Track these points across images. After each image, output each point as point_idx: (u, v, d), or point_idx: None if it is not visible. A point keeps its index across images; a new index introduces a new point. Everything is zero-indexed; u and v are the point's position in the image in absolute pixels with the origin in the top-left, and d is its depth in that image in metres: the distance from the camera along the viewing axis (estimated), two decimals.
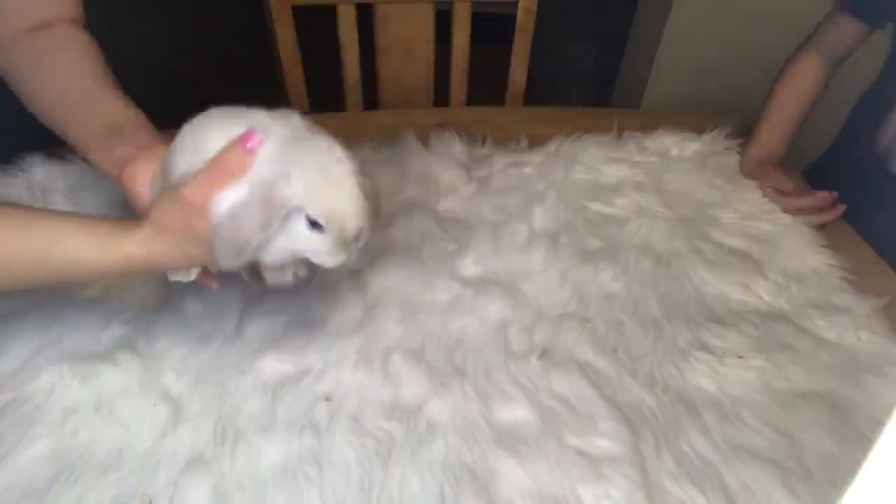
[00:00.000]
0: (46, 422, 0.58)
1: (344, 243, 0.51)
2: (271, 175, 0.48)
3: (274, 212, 0.48)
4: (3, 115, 0.59)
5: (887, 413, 0.25)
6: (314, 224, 0.49)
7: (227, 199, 0.48)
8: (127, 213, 0.62)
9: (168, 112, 0.64)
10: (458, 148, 0.97)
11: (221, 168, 0.49)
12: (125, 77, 0.63)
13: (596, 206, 0.89)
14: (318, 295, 0.72)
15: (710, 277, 0.79)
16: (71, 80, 0.65)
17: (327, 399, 0.62)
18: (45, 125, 0.64)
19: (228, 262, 0.50)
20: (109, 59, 0.67)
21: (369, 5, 1.16)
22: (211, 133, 0.52)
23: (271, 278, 0.56)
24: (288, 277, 0.57)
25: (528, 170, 0.94)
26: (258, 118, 0.52)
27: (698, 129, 1.04)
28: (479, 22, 1.25)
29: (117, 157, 0.60)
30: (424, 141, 0.98)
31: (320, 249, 0.51)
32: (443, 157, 0.94)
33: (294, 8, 1.12)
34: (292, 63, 1.17)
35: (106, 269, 0.52)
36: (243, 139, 0.49)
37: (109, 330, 0.67)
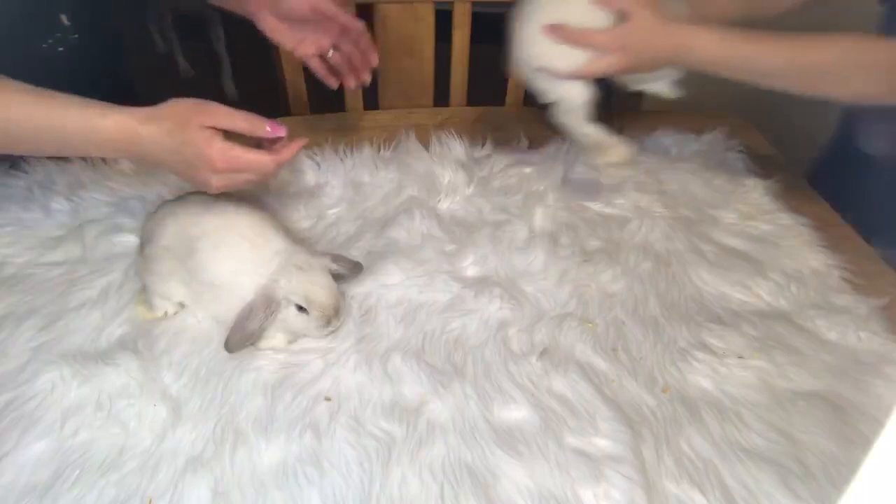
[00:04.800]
0: (46, 422, 0.58)
1: (326, 319, 0.65)
2: (268, 280, 0.64)
3: (271, 306, 0.63)
4: None
5: (887, 413, 0.25)
6: (300, 308, 0.64)
7: (237, 305, 0.63)
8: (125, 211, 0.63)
9: None
10: (458, 148, 0.97)
11: (248, 166, 0.63)
12: (130, 77, 0.63)
13: (596, 206, 0.89)
14: None
15: (710, 277, 0.79)
16: None
17: (327, 399, 0.62)
18: None
19: (239, 348, 0.63)
20: (112, 60, 0.68)
21: (369, 5, 1.16)
22: None
23: (265, 344, 0.67)
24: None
25: (528, 170, 0.94)
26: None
27: (698, 130, 1.04)
28: (479, 22, 1.25)
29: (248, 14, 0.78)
30: (425, 141, 0.98)
31: (308, 326, 0.65)
32: (443, 157, 0.94)
33: None
34: (292, 63, 1.17)
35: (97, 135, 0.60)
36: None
37: (109, 330, 0.67)
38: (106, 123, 0.60)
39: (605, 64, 0.73)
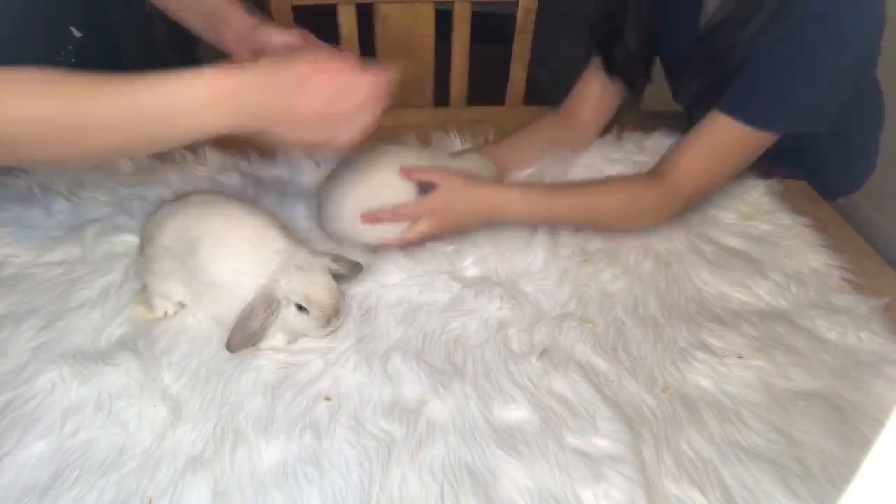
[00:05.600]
0: (46, 422, 0.58)
1: (326, 319, 0.65)
2: (268, 280, 0.64)
3: (271, 306, 0.63)
4: None
5: (887, 413, 0.25)
6: (300, 308, 0.64)
7: (238, 305, 0.63)
8: (126, 211, 0.63)
9: None
10: (458, 148, 0.97)
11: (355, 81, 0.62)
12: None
13: None
14: None
15: (710, 277, 0.79)
16: None
17: (327, 399, 0.62)
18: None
19: (240, 348, 0.64)
20: (106, 54, 0.68)
21: (369, 5, 1.16)
22: None
23: (265, 344, 0.67)
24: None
25: (528, 170, 0.94)
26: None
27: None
28: (479, 22, 1.25)
29: (222, 44, 0.76)
30: (425, 141, 0.98)
31: (308, 326, 0.65)
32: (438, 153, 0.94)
33: (294, 8, 1.12)
34: None
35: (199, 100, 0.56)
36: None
37: (109, 330, 0.67)
38: (197, 84, 0.56)
39: (418, 232, 0.76)
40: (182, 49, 1.80)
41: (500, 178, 0.88)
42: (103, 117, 0.55)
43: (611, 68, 0.94)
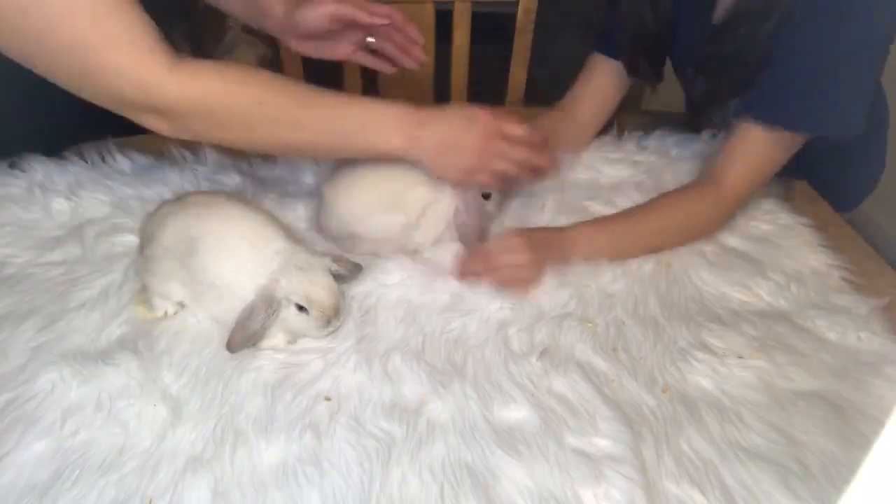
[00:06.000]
0: (46, 422, 0.58)
1: (326, 319, 0.65)
2: (268, 280, 0.64)
3: (272, 306, 0.63)
4: (4, 115, 0.60)
5: (887, 413, 0.25)
6: (300, 308, 0.64)
7: (238, 305, 0.64)
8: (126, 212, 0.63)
9: None
10: None
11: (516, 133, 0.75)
12: None
13: (596, 206, 0.89)
14: None
15: (710, 277, 0.79)
16: None
17: (327, 399, 0.62)
18: None
19: (241, 348, 0.64)
20: None
21: None
22: None
23: (265, 344, 0.67)
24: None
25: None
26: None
27: (698, 130, 1.04)
28: (479, 22, 1.25)
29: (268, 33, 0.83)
30: None
31: (308, 326, 0.65)
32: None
33: None
34: (292, 63, 1.17)
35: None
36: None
37: (109, 330, 0.67)
38: (389, 110, 0.69)
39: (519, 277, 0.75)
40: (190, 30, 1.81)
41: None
42: (319, 118, 0.67)
43: (630, 62, 0.92)
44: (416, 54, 0.85)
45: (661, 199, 0.84)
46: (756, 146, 0.80)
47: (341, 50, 0.84)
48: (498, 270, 0.74)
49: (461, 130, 0.72)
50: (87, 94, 0.59)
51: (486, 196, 0.79)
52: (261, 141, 0.68)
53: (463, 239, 0.78)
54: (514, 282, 0.74)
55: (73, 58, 0.56)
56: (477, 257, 0.75)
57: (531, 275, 0.75)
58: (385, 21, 0.81)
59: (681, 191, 0.85)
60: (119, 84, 0.57)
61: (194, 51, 1.80)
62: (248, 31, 1.75)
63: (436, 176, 0.74)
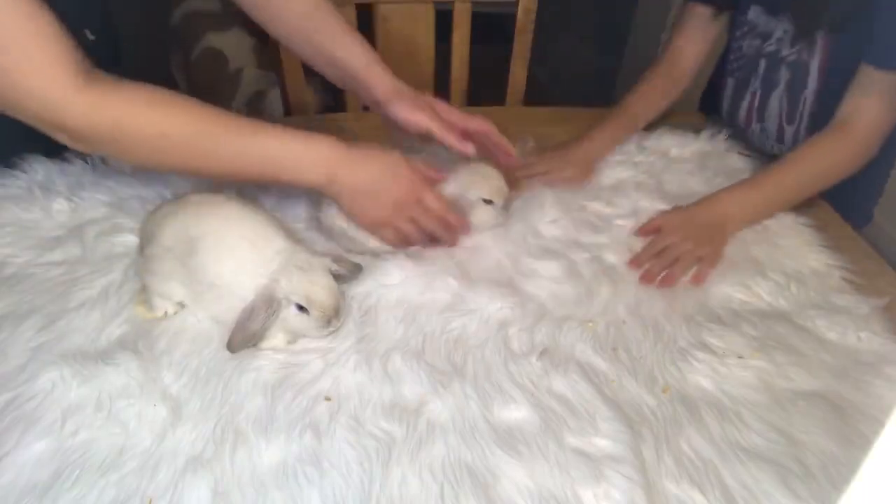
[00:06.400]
0: (46, 422, 0.58)
1: (326, 319, 0.65)
2: (268, 280, 0.64)
3: (272, 306, 0.63)
4: (4, 115, 0.60)
5: (887, 413, 0.25)
6: (300, 308, 0.64)
7: (238, 305, 0.64)
8: (124, 211, 0.63)
9: None
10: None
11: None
12: (128, 75, 0.64)
13: (596, 206, 0.89)
14: None
15: (710, 277, 0.79)
16: (304, 21, 0.81)
17: (327, 399, 0.62)
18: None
19: (241, 348, 0.64)
20: (108, 58, 0.69)
21: (369, 5, 1.16)
22: None
23: (265, 344, 0.67)
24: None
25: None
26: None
27: (698, 129, 1.04)
28: (479, 22, 1.25)
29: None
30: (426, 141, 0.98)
31: (308, 326, 0.65)
32: (443, 157, 0.94)
33: None
34: (292, 63, 1.17)
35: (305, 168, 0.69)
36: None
37: (109, 330, 0.67)
38: (312, 147, 0.69)
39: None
40: (183, 55, 1.81)
41: (511, 182, 0.86)
42: (231, 149, 0.66)
43: None
44: (507, 155, 0.86)
45: (799, 153, 0.88)
46: (881, 92, 0.84)
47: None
48: (671, 265, 0.79)
49: (384, 181, 0.72)
50: (5, 111, 0.59)
51: (488, 202, 0.80)
52: (173, 167, 0.68)
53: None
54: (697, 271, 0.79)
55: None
56: (649, 259, 0.80)
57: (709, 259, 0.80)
58: (479, 131, 0.83)
59: (815, 142, 0.88)
60: (29, 104, 0.58)
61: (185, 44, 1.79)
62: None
63: (345, 216, 0.76)
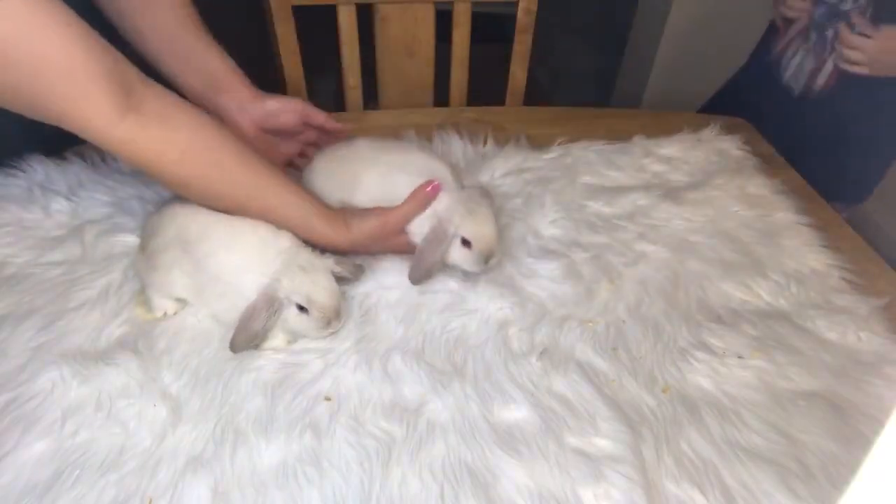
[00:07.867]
0: (46, 422, 0.58)
1: (326, 320, 0.65)
2: (270, 280, 0.64)
3: (274, 305, 0.63)
4: (4, 115, 0.60)
5: (887, 413, 0.25)
6: (301, 308, 0.64)
7: (239, 304, 0.64)
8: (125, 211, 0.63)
9: None
10: (458, 148, 0.97)
11: (418, 202, 0.72)
12: None
13: (596, 206, 0.89)
14: None
15: (710, 277, 0.79)
16: (172, 30, 0.78)
17: (327, 399, 0.62)
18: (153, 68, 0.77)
19: (244, 347, 0.64)
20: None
21: (369, 5, 1.16)
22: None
23: (266, 344, 0.67)
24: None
25: (529, 171, 0.94)
26: None
27: (698, 129, 1.04)
28: (479, 22, 1.25)
29: (219, 109, 0.78)
30: (425, 141, 0.98)
31: (308, 326, 0.65)
32: (443, 157, 0.94)
33: (294, 8, 1.12)
34: (292, 63, 1.17)
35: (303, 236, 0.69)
36: (429, 185, 0.72)
37: (109, 330, 0.67)
38: (324, 225, 0.70)
39: None
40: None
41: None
42: (259, 204, 0.68)
43: None
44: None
45: None
46: None
47: (291, 148, 0.87)
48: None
49: (375, 242, 0.75)
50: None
51: (466, 243, 0.71)
52: (195, 199, 0.68)
53: (411, 274, 0.72)
54: None
55: (43, 107, 0.57)
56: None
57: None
58: (338, 129, 0.85)
59: None
60: (79, 132, 0.59)
61: None
62: None
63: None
